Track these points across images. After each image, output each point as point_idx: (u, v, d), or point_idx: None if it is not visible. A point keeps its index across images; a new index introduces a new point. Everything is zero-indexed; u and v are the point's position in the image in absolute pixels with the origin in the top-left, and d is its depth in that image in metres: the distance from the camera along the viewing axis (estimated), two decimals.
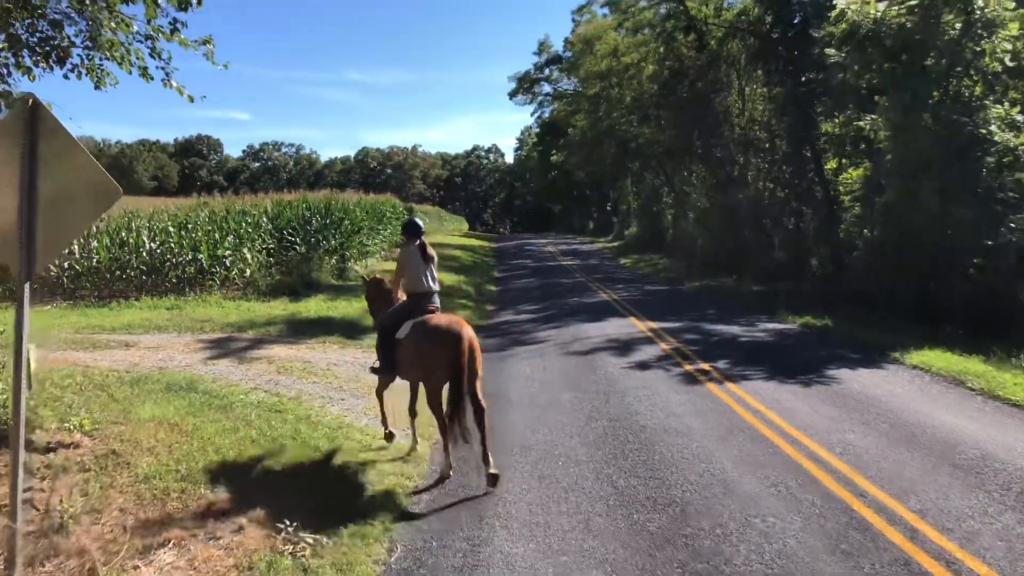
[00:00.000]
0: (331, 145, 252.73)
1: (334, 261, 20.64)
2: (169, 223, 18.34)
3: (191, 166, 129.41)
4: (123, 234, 17.70)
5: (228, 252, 17.87)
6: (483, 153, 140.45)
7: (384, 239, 27.71)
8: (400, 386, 8.09)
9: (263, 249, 19.59)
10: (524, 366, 11.96)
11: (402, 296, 7.68)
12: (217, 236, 18.26)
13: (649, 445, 7.70)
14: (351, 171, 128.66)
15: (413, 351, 6.99)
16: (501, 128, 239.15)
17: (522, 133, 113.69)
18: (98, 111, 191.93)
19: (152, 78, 8.50)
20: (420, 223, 7.78)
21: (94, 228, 17.72)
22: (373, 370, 8.00)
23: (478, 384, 6.92)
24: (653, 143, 35.58)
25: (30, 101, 4.16)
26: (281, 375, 10.91)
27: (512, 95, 59.85)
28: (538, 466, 7.17)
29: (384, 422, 8.01)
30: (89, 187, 4.37)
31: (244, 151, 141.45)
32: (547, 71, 57.73)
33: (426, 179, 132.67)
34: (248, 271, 18.02)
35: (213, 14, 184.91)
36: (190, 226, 18.48)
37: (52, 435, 7.17)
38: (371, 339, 13.67)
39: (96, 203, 4.46)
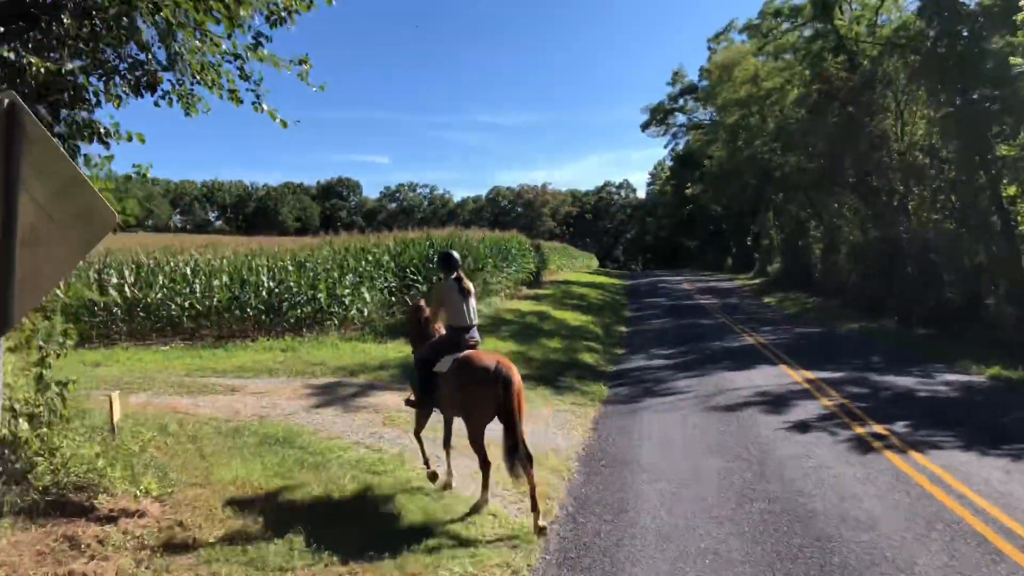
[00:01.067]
0: (464, 185, 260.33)
1: None
2: (288, 262, 18.01)
3: (332, 207, 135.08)
4: (244, 273, 17.46)
5: (347, 291, 17.26)
6: (614, 189, 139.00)
7: (509, 277, 26.69)
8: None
9: (384, 288, 18.94)
10: (658, 423, 10.39)
11: (442, 329, 7.56)
12: (336, 275, 17.73)
13: (823, 541, 5.98)
14: (482, 210, 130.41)
15: (456, 388, 6.86)
16: (632, 164, 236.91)
17: (654, 168, 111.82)
18: (246, 157, 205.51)
19: (242, 101, 7.79)
20: (456, 256, 7.57)
21: (216, 263, 17.65)
22: (408, 403, 7.92)
23: (524, 429, 6.72)
24: (799, 172, 33.02)
25: (6, 103, 3.16)
26: (386, 427, 9.88)
27: (645, 127, 58.21)
28: (678, 565, 5.63)
29: (425, 459, 7.72)
30: (81, 212, 3.33)
31: (381, 192, 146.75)
32: (681, 101, 55.83)
33: (556, 216, 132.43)
34: (366, 311, 17.34)
35: (355, 62, 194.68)
36: (308, 265, 18.07)
37: (117, 500, 6.30)
38: None
39: (89, 233, 3.43)
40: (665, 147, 70.64)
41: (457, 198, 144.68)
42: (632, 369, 15.58)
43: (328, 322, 16.87)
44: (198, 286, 16.83)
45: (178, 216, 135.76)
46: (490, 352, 7.28)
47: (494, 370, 6.61)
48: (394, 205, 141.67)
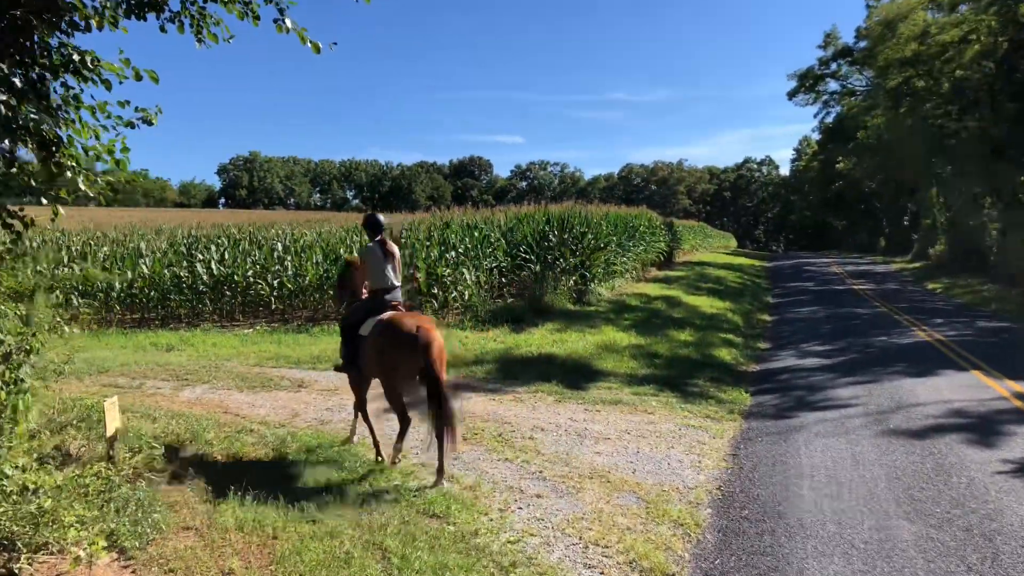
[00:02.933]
0: (595, 164, 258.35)
1: (572, 282, 17.49)
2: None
3: (463, 186, 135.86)
4: (340, 250, 15.92)
5: (448, 271, 15.39)
6: (754, 165, 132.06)
7: (636, 257, 24.12)
8: None
9: (493, 268, 16.99)
10: (820, 453, 7.84)
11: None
12: (436, 253, 15.89)
13: None
14: (614, 187, 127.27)
15: (378, 351, 6.79)
16: (773, 141, 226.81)
17: (799, 143, 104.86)
18: (384, 138, 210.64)
19: (260, 19, 5.95)
20: (380, 219, 7.60)
21: (309, 238, 16.22)
22: (337, 368, 7.79)
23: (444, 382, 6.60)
24: (977, 138, 28.45)
25: None
26: (466, 443, 7.86)
27: (792, 95, 53.11)
28: None
29: (376, 446, 7.30)
30: None
31: (512, 171, 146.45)
32: (834, 66, 50.35)
33: (692, 194, 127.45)
34: (467, 294, 15.41)
35: (492, 45, 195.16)
36: (403, 241, 16.31)
37: (57, 562, 4.58)
38: (597, 390, 10.32)
39: None
40: (815, 116, 64.89)
41: (588, 176, 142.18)
42: (779, 370, 12.91)
43: (427, 304, 15.11)
44: (289, 264, 15.44)
45: (318, 195, 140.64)
46: (411, 314, 7.21)
47: (415, 333, 6.53)
48: (524, 184, 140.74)
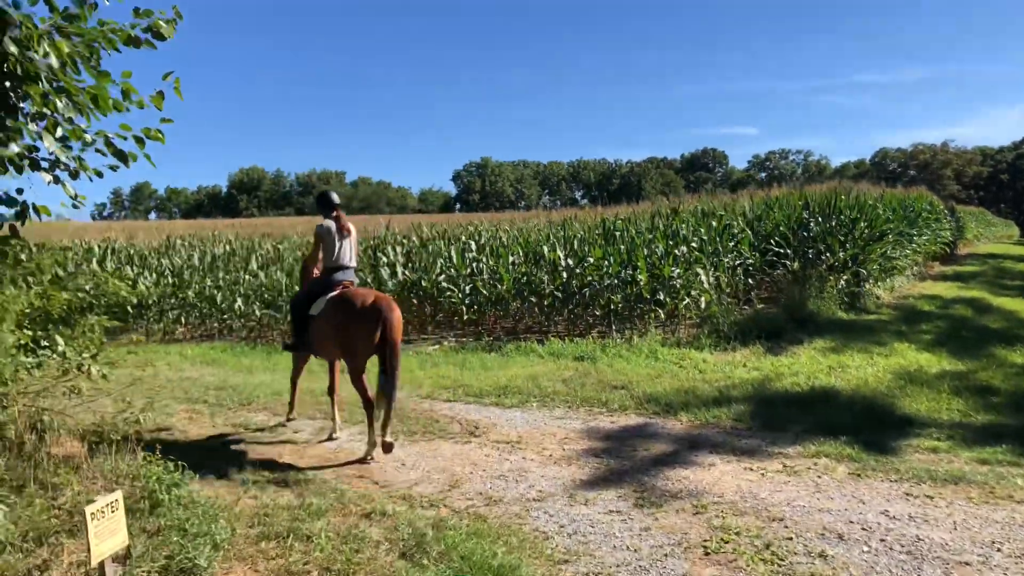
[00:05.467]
0: (842, 152, 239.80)
1: (843, 282, 13.47)
2: (595, 231, 13.34)
3: (696, 180, 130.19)
4: (544, 249, 13.13)
5: (677, 271, 12.05)
6: None
7: (917, 248, 19.13)
8: None
9: (736, 266, 13.45)
10: None
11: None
12: (661, 249, 12.59)
13: None
14: (866, 174, 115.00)
15: (335, 327, 6.62)
16: None
17: None
18: (610, 136, 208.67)
19: None
20: (334, 196, 7.30)
21: (504, 238, 13.61)
22: (286, 347, 7.80)
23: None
24: None
25: None
26: (707, 561, 4.68)
27: None
28: None
29: (291, 407, 8.02)
30: None
31: (749, 162, 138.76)
32: None
33: (960, 178, 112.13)
34: (703, 300, 11.97)
35: (721, 35, 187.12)
36: (617, 235, 13.17)
37: None
38: (916, 454, 6.59)
39: None
40: None
41: (835, 164, 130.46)
42: None
43: (650, 315, 11.92)
44: (484, 266, 12.96)
45: (547, 196, 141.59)
46: (365, 288, 7.22)
47: (371, 305, 6.44)
48: (764, 175, 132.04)
